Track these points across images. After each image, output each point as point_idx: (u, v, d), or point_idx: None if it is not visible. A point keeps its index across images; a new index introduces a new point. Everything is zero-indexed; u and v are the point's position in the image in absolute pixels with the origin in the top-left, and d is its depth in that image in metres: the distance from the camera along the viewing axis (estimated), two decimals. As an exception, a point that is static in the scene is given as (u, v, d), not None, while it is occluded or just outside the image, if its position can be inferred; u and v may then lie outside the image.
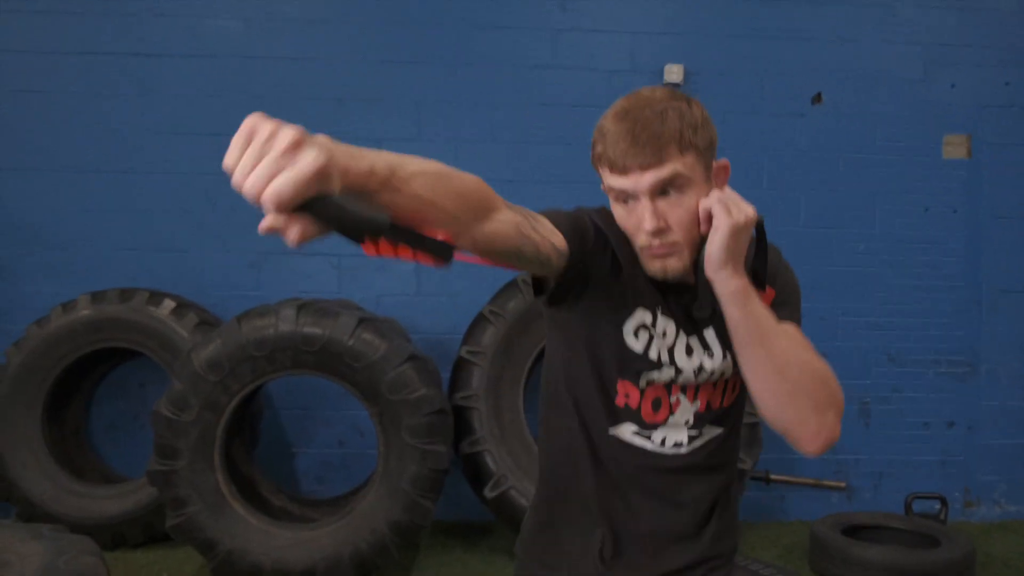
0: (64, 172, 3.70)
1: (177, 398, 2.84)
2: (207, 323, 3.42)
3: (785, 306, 1.22)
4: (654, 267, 1.19)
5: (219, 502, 2.89)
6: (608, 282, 1.20)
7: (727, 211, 1.09)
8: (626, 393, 1.25)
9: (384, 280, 3.75)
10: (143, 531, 3.31)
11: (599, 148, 1.16)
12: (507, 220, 0.99)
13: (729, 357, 1.26)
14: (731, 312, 1.12)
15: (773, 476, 3.53)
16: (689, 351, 1.24)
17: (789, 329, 1.14)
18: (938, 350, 3.82)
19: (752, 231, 1.13)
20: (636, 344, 1.23)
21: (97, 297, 3.42)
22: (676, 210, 1.12)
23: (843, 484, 3.58)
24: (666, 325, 1.24)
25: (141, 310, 3.38)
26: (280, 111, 3.65)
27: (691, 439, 1.27)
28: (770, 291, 1.23)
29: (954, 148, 3.77)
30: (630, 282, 1.22)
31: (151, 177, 3.72)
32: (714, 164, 1.17)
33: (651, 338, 1.23)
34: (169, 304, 3.40)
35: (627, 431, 1.26)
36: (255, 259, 3.74)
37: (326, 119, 3.71)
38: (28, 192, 3.70)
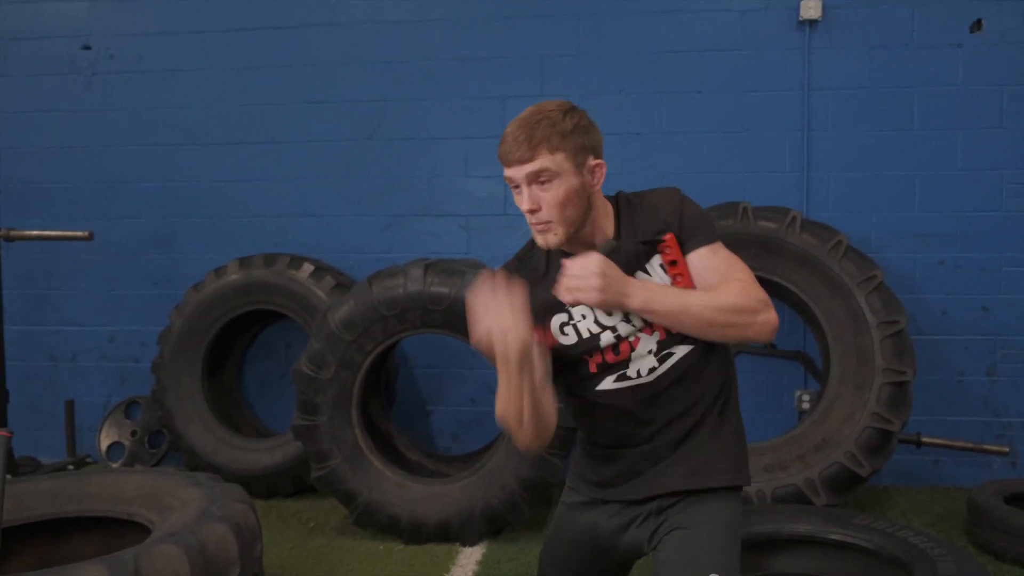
0: (214, 145, 3.94)
1: (316, 356, 2.98)
2: (343, 285, 3.57)
3: (692, 238, 1.51)
4: (539, 241, 1.54)
5: (358, 456, 3.02)
6: (535, 312, 1.50)
7: (581, 294, 1.41)
8: (592, 362, 1.57)
9: (510, 240, 3.76)
10: (293, 482, 3.52)
11: (499, 147, 1.49)
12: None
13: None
14: (649, 318, 1.48)
15: (926, 439, 3.29)
16: (608, 313, 1.53)
17: (698, 296, 1.45)
18: (1123, 302, 3.42)
19: (605, 262, 1.41)
20: (568, 339, 1.56)
21: (244, 263, 3.63)
22: (546, 195, 1.46)
23: (1007, 449, 3.30)
24: (580, 307, 1.55)
25: (283, 274, 3.57)
26: (407, 74, 3.76)
27: (662, 359, 1.53)
28: (670, 237, 1.50)
29: None
30: (540, 297, 1.54)
31: (291, 146, 3.90)
32: (589, 163, 1.49)
33: (575, 325, 1.55)
34: (308, 268, 3.56)
35: (608, 381, 1.56)
36: (388, 222, 3.85)
37: (452, 79, 3.73)
38: (186, 165, 3.97)
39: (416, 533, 2.98)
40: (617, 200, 1.60)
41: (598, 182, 1.52)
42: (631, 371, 1.54)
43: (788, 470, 3.00)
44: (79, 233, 3.56)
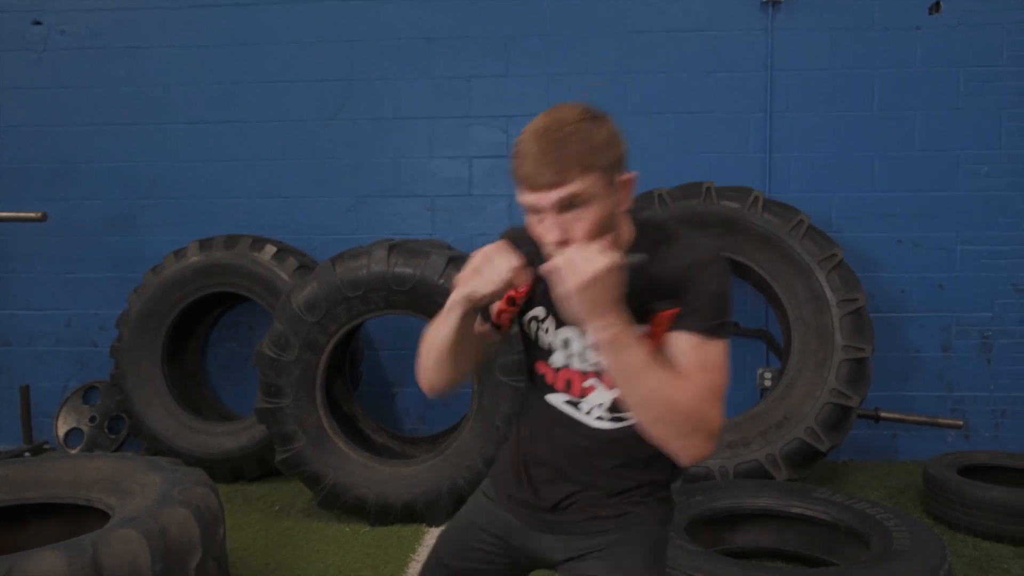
0: (174, 125, 3.86)
1: (279, 338, 2.95)
2: (307, 267, 3.53)
3: (690, 316, 1.27)
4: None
5: (322, 438, 3.01)
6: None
7: (561, 279, 1.21)
8: (544, 372, 1.44)
9: (476, 221, 3.75)
10: (258, 465, 3.49)
11: (515, 165, 1.27)
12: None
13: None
14: (601, 356, 1.26)
15: (883, 414, 3.37)
16: (567, 342, 1.40)
17: (659, 373, 1.23)
18: (1073, 280, 3.52)
19: (615, 274, 1.20)
20: (529, 332, 1.46)
21: (205, 244, 3.57)
22: (579, 223, 1.24)
23: (960, 423, 3.38)
24: (545, 313, 1.43)
25: (245, 255, 3.52)
26: (374, 53, 3.72)
27: (615, 419, 1.38)
28: (669, 316, 1.28)
29: (1096, 56, 3.39)
30: (537, 284, 1.39)
31: (254, 126, 3.83)
32: (619, 179, 1.27)
33: (542, 329, 1.43)
34: (271, 249, 3.52)
35: (559, 400, 1.42)
36: (353, 203, 3.81)
37: (417, 59, 3.69)
38: (145, 145, 3.88)
39: (382, 514, 2.97)
40: (641, 227, 1.37)
41: (628, 199, 1.30)
42: (582, 409, 1.40)
43: (750, 446, 3.05)
44: (31, 214, 3.47)
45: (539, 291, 1.42)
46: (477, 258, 1.31)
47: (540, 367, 1.45)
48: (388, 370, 3.87)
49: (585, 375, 1.39)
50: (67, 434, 3.85)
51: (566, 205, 1.23)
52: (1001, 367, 3.56)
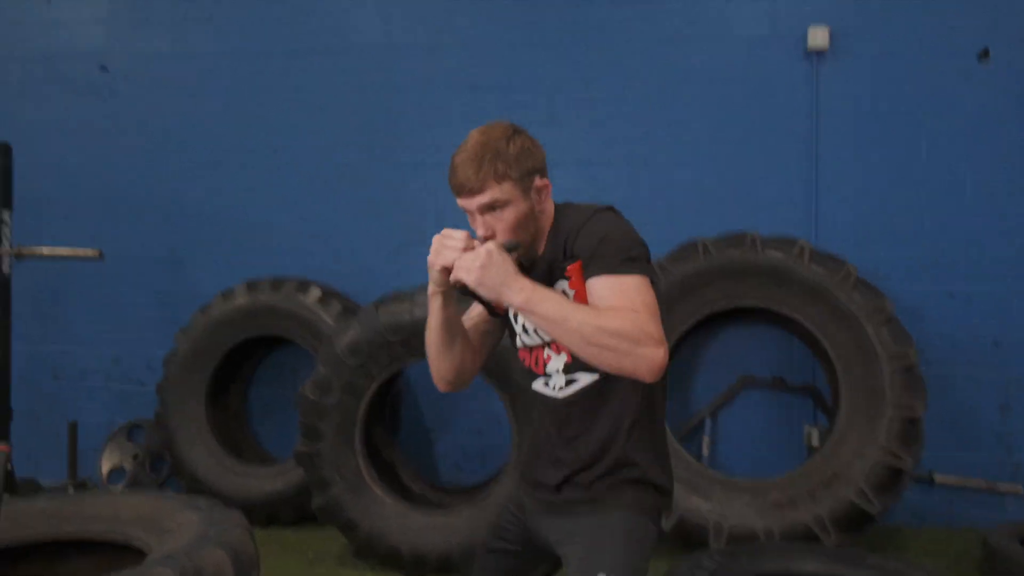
0: (227, 166, 3.97)
1: (320, 381, 2.97)
2: (350, 310, 3.56)
3: (593, 263, 1.46)
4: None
5: (360, 484, 2.99)
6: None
7: (466, 274, 1.41)
8: (524, 357, 1.64)
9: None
10: (294, 511, 3.48)
11: (449, 175, 1.53)
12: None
13: None
14: (528, 319, 1.47)
15: (939, 477, 3.24)
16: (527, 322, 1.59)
17: (582, 310, 1.40)
18: None
19: (497, 255, 1.41)
20: (515, 324, 1.63)
21: (252, 286, 3.63)
22: (499, 223, 1.50)
23: (1020, 488, 3.24)
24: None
25: (291, 298, 3.56)
26: (420, 99, 3.76)
27: (568, 383, 1.56)
28: (575, 268, 1.49)
29: None
30: None
31: (304, 168, 3.92)
32: (535, 184, 1.52)
33: (513, 317, 1.63)
34: (316, 292, 3.56)
35: (539, 384, 1.61)
36: (397, 246, 3.84)
37: (464, 106, 3.75)
38: (197, 185, 4.00)
39: (418, 565, 2.93)
40: (557, 211, 1.60)
41: (545, 199, 1.56)
42: (551, 383, 1.59)
43: (797, 507, 2.95)
44: (89, 252, 3.57)
45: None
46: (434, 241, 1.48)
47: (520, 354, 1.64)
48: (427, 417, 3.85)
49: (542, 347, 1.58)
50: (111, 472, 3.89)
51: (487, 208, 1.49)
52: (1065, 429, 3.41)
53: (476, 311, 1.67)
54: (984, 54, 3.38)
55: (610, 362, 1.37)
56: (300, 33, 3.89)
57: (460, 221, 1.53)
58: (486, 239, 1.49)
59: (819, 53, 3.49)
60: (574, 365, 1.54)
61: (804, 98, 3.54)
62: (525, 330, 1.60)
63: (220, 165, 3.97)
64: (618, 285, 1.43)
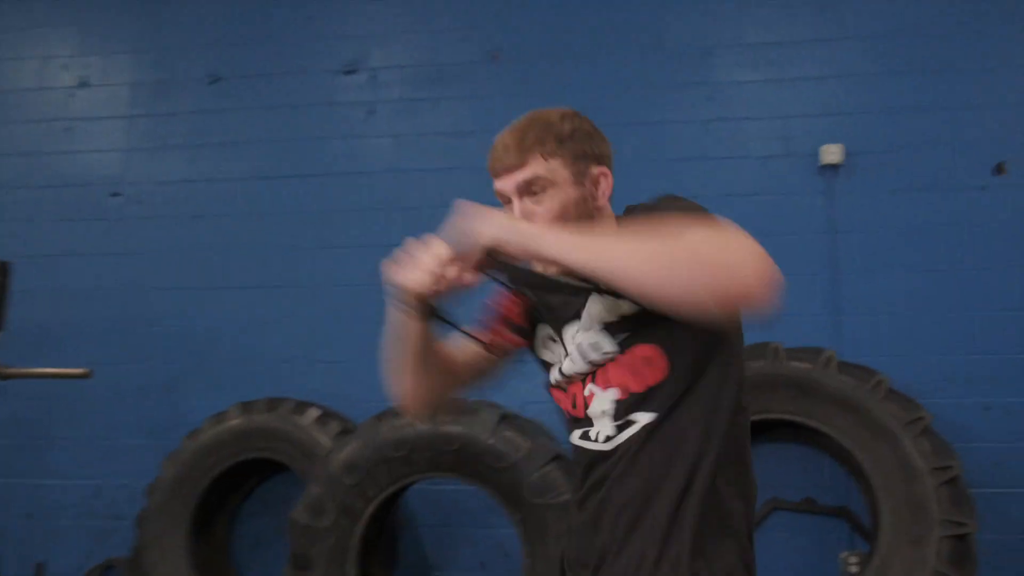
0: (228, 289, 3.87)
1: (313, 502, 2.74)
2: (349, 432, 3.34)
3: (656, 210, 1.19)
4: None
5: (355, 619, 2.69)
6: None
7: (473, 232, 1.15)
8: (559, 399, 1.34)
9: (529, 386, 3.56)
10: (281, 655, 3.13)
11: (488, 159, 1.30)
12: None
13: (611, 339, 1.24)
14: (568, 264, 1.08)
15: None
16: (575, 341, 1.29)
17: (634, 237, 1.05)
18: None
19: (493, 210, 1.17)
20: (546, 355, 1.37)
21: (247, 407, 3.44)
22: (538, 208, 1.24)
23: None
24: (547, 329, 1.37)
25: (287, 419, 3.36)
26: (429, 220, 3.71)
27: (619, 429, 1.23)
28: None
29: None
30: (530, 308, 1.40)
31: (306, 291, 3.82)
32: (590, 171, 1.27)
33: (548, 345, 1.36)
34: (313, 413, 3.37)
35: (576, 436, 1.30)
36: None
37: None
38: (199, 309, 3.87)
39: None
40: (619, 223, 1.33)
41: (603, 194, 1.29)
42: (592, 433, 1.26)
43: (844, 643, 2.63)
44: (76, 371, 3.38)
45: (534, 309, 1.38)
46: (408, 250, 1.23)
47: (554, 393, 1.36)
48: (428, 547, 3.54)
49: (584, 380, 1.27)
50: (80, 617, 3.54)
51: (527, 189, 1.24)
52: None
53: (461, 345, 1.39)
54: (999, 168, 3.37)
55: (709, 297, 0.96)
56: (311, 158, 3.89)
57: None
58: None
59: (833, 167, 3.47)
60: (629, 402, 1.20)
61: (820, 211, 3.46)
62: (566, 352, 1.28)
63: (223, 288, 3.86)
64: (688, 216, 1.11)
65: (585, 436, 1.27)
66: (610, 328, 1.23)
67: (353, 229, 3.82)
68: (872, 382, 2.92)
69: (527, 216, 1.24)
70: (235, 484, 3.59)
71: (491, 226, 1.12)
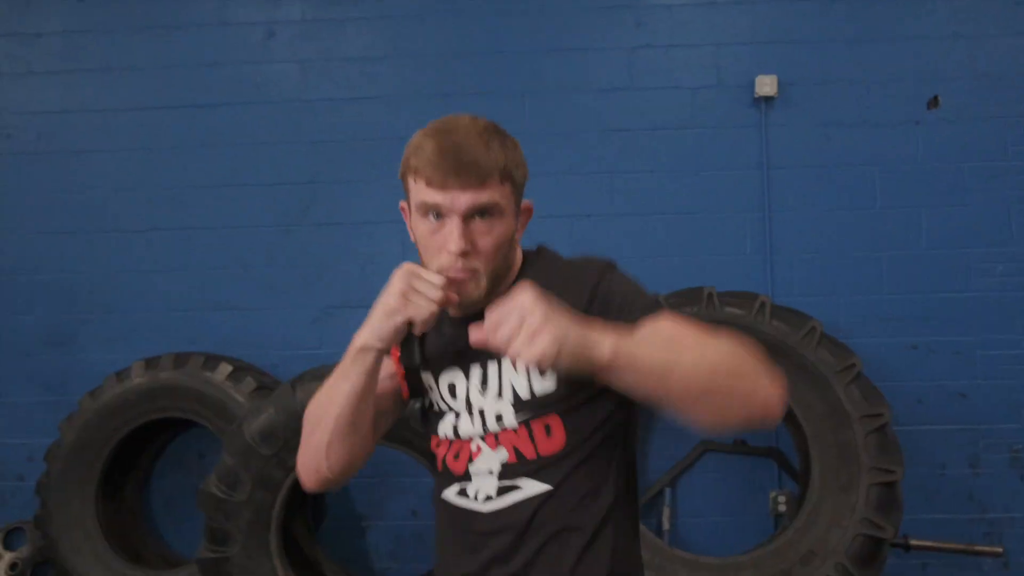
0: (118, 233, 3.54)
1: (227, 474, 2.56)
2: (267, 387, 3.15)
3: (627, 312, 1.09)
4: (450, 295, 1.11)
5: (278, 592, 2.57)
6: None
7: (522, 351, 0.96)
8: (440, 449, 1.22)
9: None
10: (204, 619, 3.01)
11: (414, 161, 1.13)
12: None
13: (516, 415, 1.14)
14: (621, 380, 0.99)
15: (914, 541, 3.01)
16: (477, 405, 1.17)
17: (681, 343, 1.01)
18: (1104, 385, 3.26)
19: (538, 293, 0.99)
20: (444, 403, 1.22)
21: (151, 363, 3.20)
22: (485, 237, 1.11)
23: (999, 549, 3.03)
24: (453, 376, 1.21)
25: (196, 375, 3.14)
26: (341, 154, 3.41)
27: (501, 491, 1.13)
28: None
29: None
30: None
31: (206, 233, 3.52)
32: (522, 204, 1.19)
33: (452, 392, 1.20)
34: (225, 368, 3.15)
35: (451, 492, 1.19)
36: (317, 315, 3.48)
37: (387, 160, 3.44)
38: (84, 256, 3.54)
39: None
40: (526, 256, 1.24)
41: (523, 228, 1.22)
42: (471, 490, 1.16)
43: (773, 587, 2.66)
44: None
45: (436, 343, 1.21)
46: (398, 281, 1.09)
47: (437, 444, 1.23)
48: (356, 502, 3.43)
49: (478, 438, 1.16)
50: (-18, 587, 3.34)
51: (477, 212, 1.09)
52: (1038, 485, 3.24)
53: (382, 385, 1.21)
54: (934, 102, 3.28)
55: (735, 412, 0.98)
56: (208, 85, 3.53)
57: (384, 287, 1.17)
58: (462, 256, 1.09)
59: (767, 100, 3.33)
60: (518, 467, 1.12)
61: (753, 146, 3.35)
62: (469, 408, 1.16)
63: (112, 232, 3.52)
64: (673, 325, 1.04)
65: (463, 493, 1.17)
66: (518, 404, 1.15)
67: (258, 165, 3.51)
68: (806, 328, 2.87)
69: (470, 240, 1.10)
70: (143, 443, 3.37)
71: (543, 337, 0.94)
